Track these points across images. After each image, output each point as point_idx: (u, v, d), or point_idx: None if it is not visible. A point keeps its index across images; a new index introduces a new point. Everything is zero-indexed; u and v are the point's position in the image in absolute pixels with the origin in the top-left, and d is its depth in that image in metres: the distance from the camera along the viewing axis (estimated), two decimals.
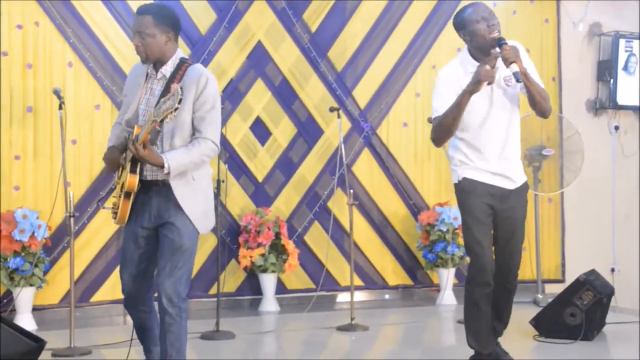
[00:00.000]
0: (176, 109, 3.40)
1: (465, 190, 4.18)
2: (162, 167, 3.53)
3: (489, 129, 4.13)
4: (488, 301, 4.17)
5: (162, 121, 3.49)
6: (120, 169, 3.78)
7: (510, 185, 4.21)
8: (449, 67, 4.23)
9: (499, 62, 4.03)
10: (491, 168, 4.15)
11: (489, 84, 4.00)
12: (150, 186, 3.67)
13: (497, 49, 3.97)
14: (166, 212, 3.65)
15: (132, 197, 3.63)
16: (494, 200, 4.17)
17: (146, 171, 3.65)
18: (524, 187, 4.30)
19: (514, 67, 3.91)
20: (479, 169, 4.16)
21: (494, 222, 4.20)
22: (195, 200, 3.68)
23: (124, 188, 3.62)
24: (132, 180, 3.59)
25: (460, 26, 4.13)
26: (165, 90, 3.63)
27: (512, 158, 4.22)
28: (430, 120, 6.14)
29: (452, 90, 4.06)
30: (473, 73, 4.02)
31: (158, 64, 3.72)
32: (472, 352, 4.32)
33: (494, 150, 4.14)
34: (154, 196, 3.67)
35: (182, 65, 3.71)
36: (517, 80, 3.94)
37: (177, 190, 3.62)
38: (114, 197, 3.79)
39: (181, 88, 3.44)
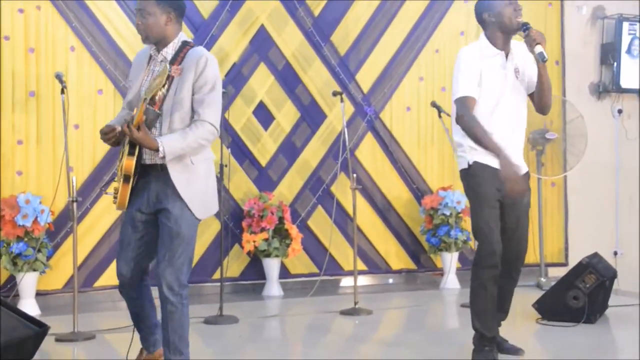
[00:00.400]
0: (164, 85, 3.36)
1: (476, 174, 4.19)
2: (157, 150, 3.49)
3: (500, 115, 4.17)
4: (495, 283, 4.18)
5: (154, 101, 3.45)
6: (121, 154, 3.74)
7: None
8: (470, 47, 4.29)
9: (513, 52, 4.20)
10: None
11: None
12: (150, 171, 3.63)
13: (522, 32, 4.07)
14: (165, 198, 3.60)
15: (131, 181, 3.58)
16: (502, 185, 4.17)
17: (145, 155, 3.61)
18: (527, 177, 4.35)
19: (539, 48, 3.98)
20: (488, 154, 4.16)
21: (500, 209, 4.22)
22: (194, 185, 3.62)
23: (122, 171, 3.58)
24: (128, 163, 3.55)
25: (487, 7, 4.19)
26: None
27: (518, 146, 4.28)
28: (434, 105, 6.25)
29: (474, 70, 4.14)
30: (490, 57, 4.15)
31: (160, 45, 3.67)
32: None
33: (503, 136, 4.16)
34: (152, 181, 3.63)
35: (184, 48, 3.66)
36: (542, 60, 3.99)
37: (175, 175, 3.57)
38: (115, 181, 3.75)
39: (170, 65, 3.40)
